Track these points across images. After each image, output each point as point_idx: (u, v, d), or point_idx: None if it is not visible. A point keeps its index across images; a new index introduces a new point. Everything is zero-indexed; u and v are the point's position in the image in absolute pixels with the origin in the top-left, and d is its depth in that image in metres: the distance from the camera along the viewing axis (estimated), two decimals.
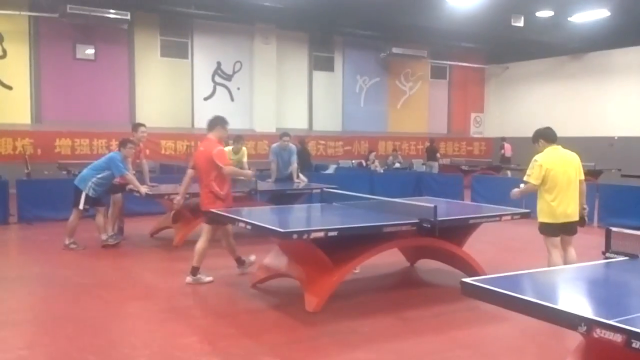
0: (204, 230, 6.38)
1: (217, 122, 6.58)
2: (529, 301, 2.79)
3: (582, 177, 5.80)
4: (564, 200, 5.54)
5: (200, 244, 6.26)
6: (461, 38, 18.82)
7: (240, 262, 6.68)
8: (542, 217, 5.66)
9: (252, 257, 6.73)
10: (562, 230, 5.70)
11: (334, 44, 19.54)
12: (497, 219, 6.29)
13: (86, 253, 7.86)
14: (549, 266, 5.50)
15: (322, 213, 6.78)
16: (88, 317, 5.21)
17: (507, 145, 19.64)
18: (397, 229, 5.59)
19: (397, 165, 18.63)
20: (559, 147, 5.74)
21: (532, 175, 5.55)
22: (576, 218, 5.69)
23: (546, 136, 5.75)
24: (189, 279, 6.22)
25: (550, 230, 5.65)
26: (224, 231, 6.43)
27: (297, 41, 18.74)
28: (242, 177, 7.63)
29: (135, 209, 10.21)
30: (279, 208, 7.49)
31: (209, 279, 6.24)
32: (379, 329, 4.92)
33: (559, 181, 5.53)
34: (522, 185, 5.71)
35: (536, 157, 5.64)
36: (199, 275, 6.24)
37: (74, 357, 4.24)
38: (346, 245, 5.42)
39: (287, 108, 18.58)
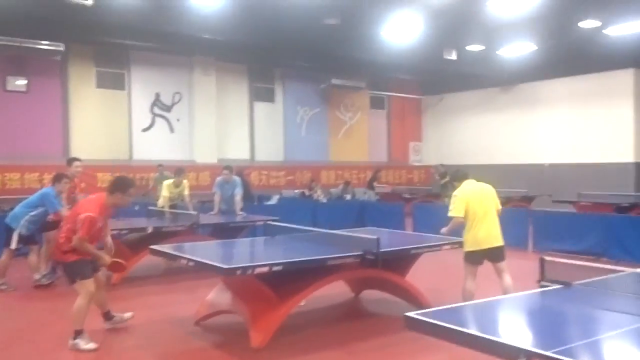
0: None
1: None
2: (471, 334, 2.87)
3: (499, 206, 6.17)
4: (483, 226, 5.87)
5: None
6: (397, 70, 19.36)
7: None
8: (467, 247, 5.98)
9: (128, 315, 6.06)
10: (487, 257, 5.98)
11: (273, 75, 19.67)
12: (438, 248, 6.43)
13: (18, 294, 7.48)
14: (463, 292, 5.87)
15: (266, 247, 6.75)
16: None
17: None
18: (341, 261, 5.62)
19: (348, 197, 18.25)
20: (473, 180, 6.14)
21: (454, 210, 5.90)
22: (499, 243, 5.98)
23: (456, 178, 6.25)
24: None
25: (473, 258, 5.95)
26: None
27: (236, 73, 18.76)
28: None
29: None
30: (221, 242, 7.39)
31: None
32: None
33: (477, 210, 5.88)
34: (445, 229, 6.06)
35: (454, 192, 6.05)
36: None
37: None
38: (291, 279, 5.39)
39: (229, 139, 18.48)
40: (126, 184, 5.65)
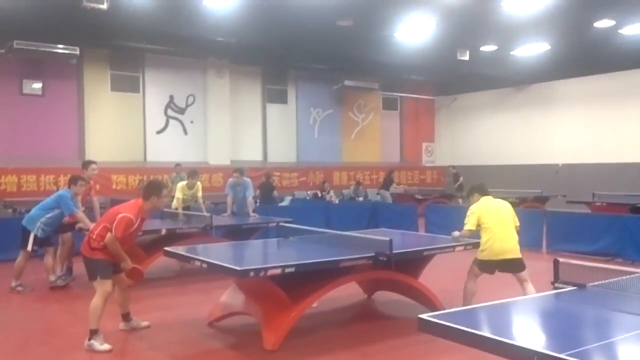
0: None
1: None
2: (485, 337, 2.87)
3: (517, 223, 6.27)
4: (499, 237, 6.00)
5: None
6: (411, 71, 19.33)
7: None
8: (482, 256, 6.08)
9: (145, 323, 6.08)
10: (501, 268, 6.06)
11: (287, 77, 19.72)
12: (451, 249, 6.41)
13: (34, 296, 7.57)
14: (464, 291, 6.08)
15: (279, 248, 6.76)
16: None
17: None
18: (353, 263, 5.62)
19: (360, 199, 18.23)
20: (491, 197, 6.32)
21: (468, 223, 6.15)
22: (515, 255, 6.05)
23: (479, 190, 6.39)
24: None
25: (485, 266, 6.08)
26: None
27: (250, 75, 18.84)
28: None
29: None
30: (234, 244, 7.43)
31: None
32: None
33: (493, 221, 6.04)
34: (457, 233, 6.34)
35: (471, 207, 6.24)
36: None
37: None
38: (303, 280, 5.41)
39: (242, 140, 18.56)
40: (159, 187, 5.80)
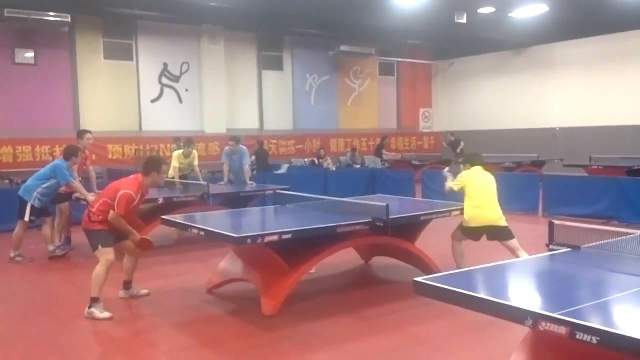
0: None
1: None
2: (479, 298, 2.90)
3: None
4: (485, 205, 6.20)
5: None
6: (407, 35, 19.09)
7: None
8: (467, 223, 6.26)
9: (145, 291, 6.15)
10: (489, 235, 6.22)
11: (282, 43, 19.49)
12: (448, 214, 6.45)
13: (33, 266, 7.61)
14: (454, 253, 6.36)
15: (276, 216, 6.78)
16: (39, 335, 5.05)
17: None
18: (350, 228, 5.65)
19: (357, 165, 18.24)
20: (481, 168, 6.57)
21: (454, 185, 6.51)
22: (498, 224, 6.21)
23: (472, 161, 6.70)
24: None
25: (469, 232, 6.27)
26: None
27: (245, 41, 18.60)
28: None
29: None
30: (232, 212, 7.44)
31: None
32: (338, 330, 4.97)
33: (478, 189, 6.28)
34: (449, 183, 6.63)
35: (463, 172, 6.57)
36: None
37: None
38: (301, 247, 5.44)
39: (238, 108, 18.44)
40: (159, 163, 5.84)
